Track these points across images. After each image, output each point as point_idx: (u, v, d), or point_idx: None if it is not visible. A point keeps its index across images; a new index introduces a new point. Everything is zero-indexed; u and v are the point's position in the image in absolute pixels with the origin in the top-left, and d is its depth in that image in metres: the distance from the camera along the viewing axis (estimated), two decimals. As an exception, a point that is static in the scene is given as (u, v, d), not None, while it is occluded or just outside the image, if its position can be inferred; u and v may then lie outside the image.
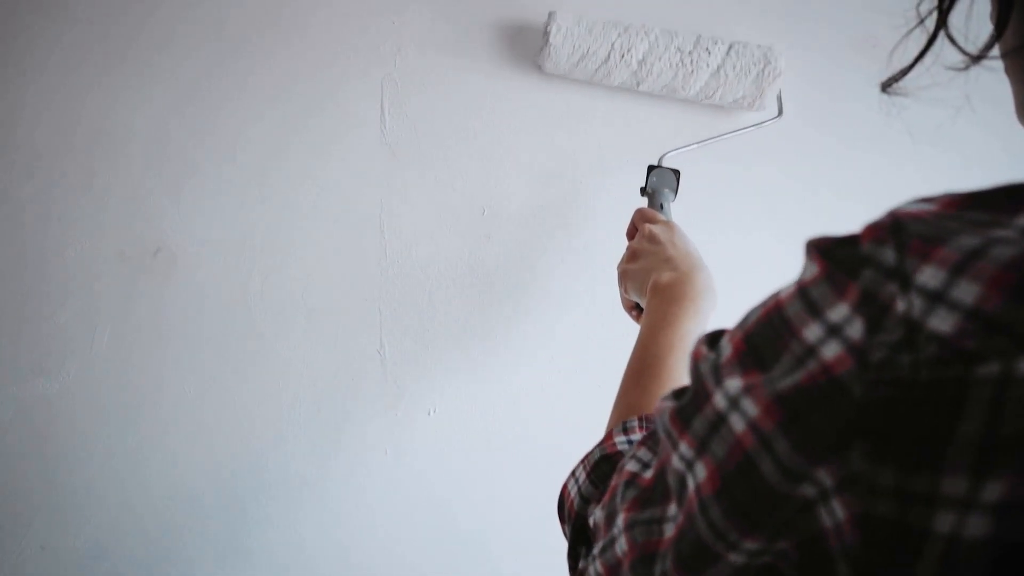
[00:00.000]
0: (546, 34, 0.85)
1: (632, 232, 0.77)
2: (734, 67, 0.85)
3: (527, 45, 0.92)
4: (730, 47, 0.86)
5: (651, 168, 0.83)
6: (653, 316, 0.58)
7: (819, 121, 0.92)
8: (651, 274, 0.63)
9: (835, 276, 0.27)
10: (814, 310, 0.28)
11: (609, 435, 0.48)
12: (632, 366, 0.56)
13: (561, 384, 0.93)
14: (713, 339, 0.35)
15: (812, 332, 0.27)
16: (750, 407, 0.29)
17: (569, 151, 0.93)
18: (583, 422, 0.93)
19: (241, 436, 0.93)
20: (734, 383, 0.30)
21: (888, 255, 0.26)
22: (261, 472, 0.93)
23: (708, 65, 0.85)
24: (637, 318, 0.70)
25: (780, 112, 0.89)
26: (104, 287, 0.92)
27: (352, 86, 0.92)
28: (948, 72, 0.33)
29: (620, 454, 0.45)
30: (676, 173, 0.82)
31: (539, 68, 0.89)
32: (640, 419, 0.49)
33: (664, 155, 0.85)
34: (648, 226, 0.70)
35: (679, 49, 0.85)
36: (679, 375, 0.53)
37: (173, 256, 0.92)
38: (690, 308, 0.57)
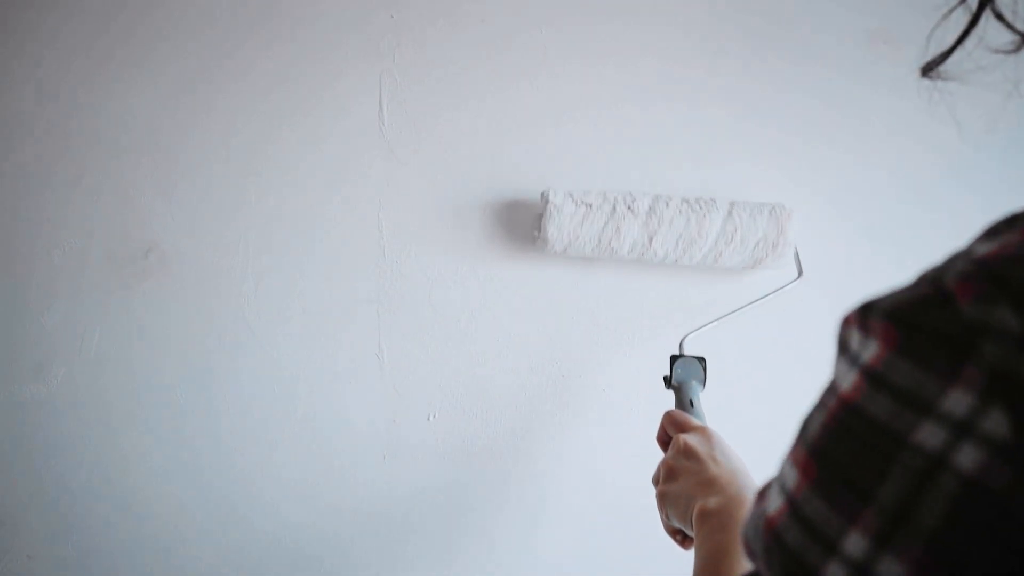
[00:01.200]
0: (540, 221, 0.82)
1: (663, 438, 0.69)
2: (738, 231, 0.80)
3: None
4: (732, 207, 0.80)
5: (674, 358, 0.76)
6: (707, 550, 0.51)
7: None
8: (694, 499, 0.56)
9: (929, 352, 0.22)
10: (916, 403, 0.22)
11: None
12: None
13: (565, 390, 0.90)
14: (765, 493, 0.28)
15: (930, 435, 0.21)
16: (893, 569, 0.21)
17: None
18: (586, 428, 0.90)
19: (234, 443, 0.90)
20: (854, 542, 0.22)
21: (1007, 318, 0.20)
22: (254, 480, 0.90)
23: (717, 230, 0.80)
24: (683, 543, 0.62)
25: (800, 272, 0.81)
26: (93, 289, 0.89)
27: (349, 81, 0.89)
28: (995, 55, 0.31)
29: None
30: (702, 361, 0.75)
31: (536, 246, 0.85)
32: None
33: (684, 338, 0.78)
34: (683, 437, 0.62)
35: (685, 218, 0.80)
36: None
37: (164, 257, 0.89)
38: None
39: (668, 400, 0.76)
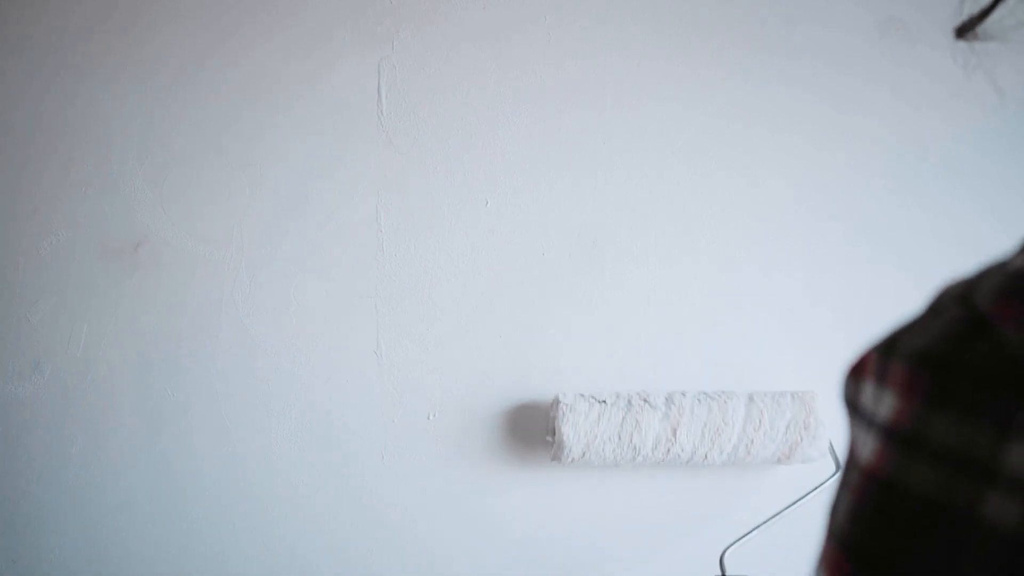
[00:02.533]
0: (555, 432, 0.78)
1: None
2: (776, 429, 0.75)
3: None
4: (751, 395, 0.77)
5: None
6: None
7: None
8: None
9: (971, 398, 0.17)
10: (969, 468, 0.17)
11: None
12: None
13: (568, 388, 0.87)
14: None
15: (1000, 510, 0.16)
16: None
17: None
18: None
19: (228, 443, 0.87)
20: None
21: None
22: (249, 481, 0.87)
23: (745, 433, 0.76)
24: None
25: (838, 465, 0.77)
26: (82, 283, 0.86)
27: (347, 68, 0.87)
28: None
29: None
30: None
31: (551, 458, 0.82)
32: None
33: (724, 553, 0.72)
34: None
35: (707, 423, 0.76)
36: None
37: (155, 250, 0.86)
38: None
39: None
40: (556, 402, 0.78)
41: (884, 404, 0.19)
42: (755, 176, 0.87)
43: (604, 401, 0.77)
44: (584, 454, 0.77)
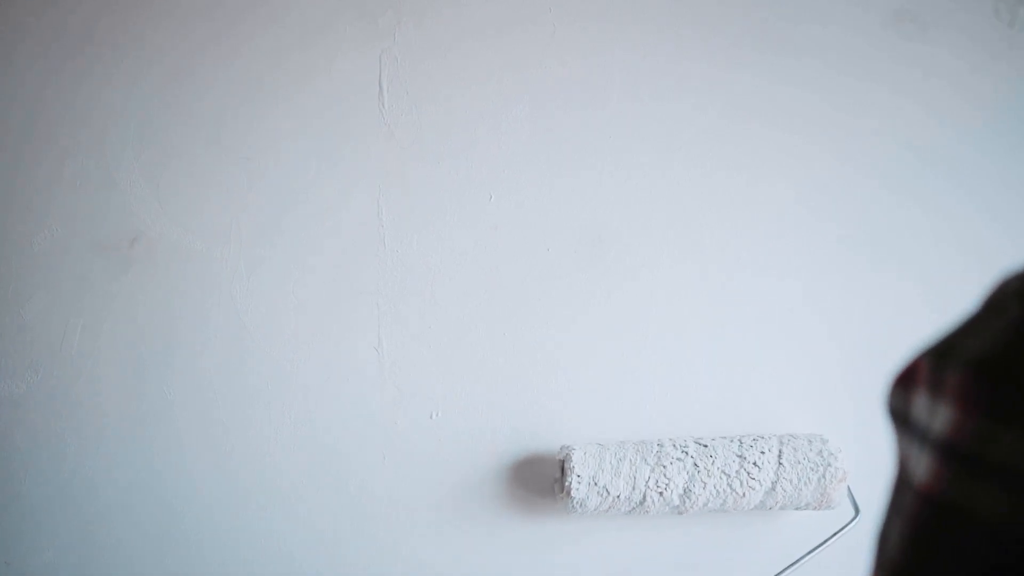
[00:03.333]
0: (564, 485, 0.77)
1: None
2: (790, 480, 0.74)
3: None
4: (780, 454, 0.74)
5: None
6: None
7: None
8: None
9: None
10: None
11: None
12: None
13: (576, 388, 0.86)
14: None
15: None
16: None
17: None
18: (600, 429, 0.86)
19: (225, 442, 0.85)
20: None
21: None
22: (246, 482, 0.85)
23: (761, 483, 0.74)
24: None
25: (857, 511, 0.75)
26: (75, 280, 0.84)
27: (347, 61, 0.85)
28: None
29: None
30: None
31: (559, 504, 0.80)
32: None
33: None
34: None
35: (724, 473, 0.74)
36: None
37: (151, 246, 0.84)
38: None
39: None
40: (567, 471, 0.76)
41: (939, 417, 0.17)
42: (760, 174, 0.85)
43: (617, 496, 0.74)
44: (595, 511, 0.76)
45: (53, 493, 0.85)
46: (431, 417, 0.85)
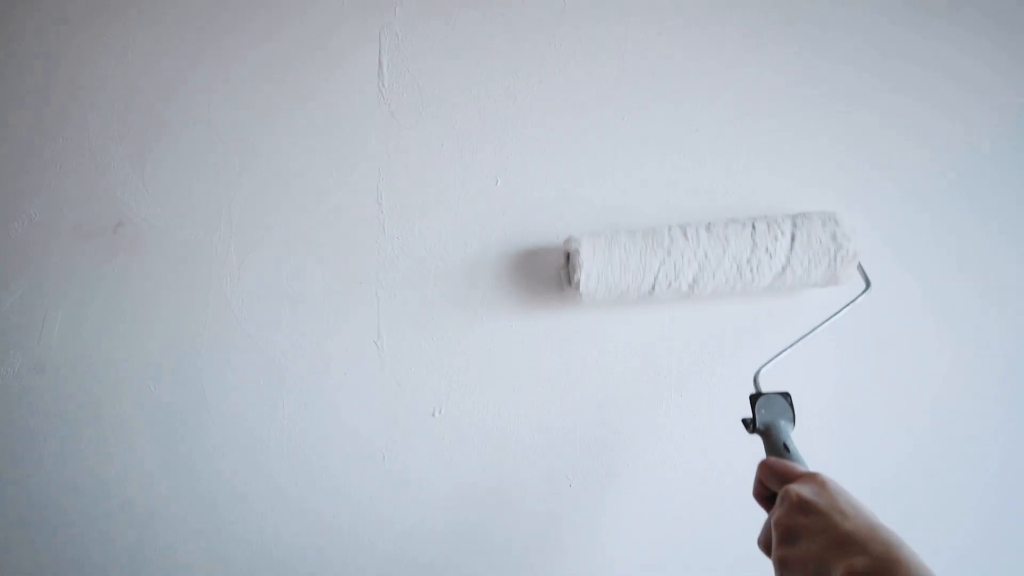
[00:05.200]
0: (571, 275, 0.74)
1: (762, 492, 0.60)
2: (801, 262, 0.72)
3: None
4: (793, 239, 0.73)
5: (755, 398, 0.66)
6: None
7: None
8: (830, 563, 0.48)
9: None
10: None
11: None
12: None
13: (585, 382, 0.81)
14: None
15: None
16: None
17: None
18: (609, 428, 0.81)
19: (215, 442, 0.80)
20: None
21: None
22: (238, 483, 0.80)
23: (772, 268, 0.73)
24: None
25: (868, 284, 0.75)
26: (56, 267, 0.79)
27: (345, 37, 0.80)
28: None
29: None
30: (787, 396, 0.66)
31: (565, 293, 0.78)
32: None
33: (758, 373, 0.69)
34: (794, 490, 0.54)
35: (735, 260, 0.72)
36: None
37: (136, 231, 0.79)
38: None
39: (739, 446, 0.67)
40: (573, 251, 0.73)
41: None
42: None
43: (626, 287, 0.72)
44: (604, 299, 0.74)
45: (32, 495, 0.80)
46: (433, 415, 0.80)
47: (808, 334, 0.71)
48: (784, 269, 0.73)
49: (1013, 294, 0.81)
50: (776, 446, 0.63)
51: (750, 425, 0.66)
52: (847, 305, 0.73)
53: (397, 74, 0.80)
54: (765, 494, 0.59)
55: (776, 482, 0.57)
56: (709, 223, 0.75)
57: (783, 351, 0.71)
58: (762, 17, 0.80)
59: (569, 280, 0.75)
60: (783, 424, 0.64)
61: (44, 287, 0.79)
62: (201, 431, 0.80)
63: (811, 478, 0.54)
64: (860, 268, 0.76)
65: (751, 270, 0.73)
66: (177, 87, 0.79)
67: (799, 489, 0.53)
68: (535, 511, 0.82)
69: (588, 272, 0.72)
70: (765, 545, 0.56)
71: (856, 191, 0.82)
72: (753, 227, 0.74)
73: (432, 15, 0.80)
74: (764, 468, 0.58)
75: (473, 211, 0.80)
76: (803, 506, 0.52)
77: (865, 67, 0.81)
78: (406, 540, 0.81)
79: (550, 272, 0.80)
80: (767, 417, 0.65)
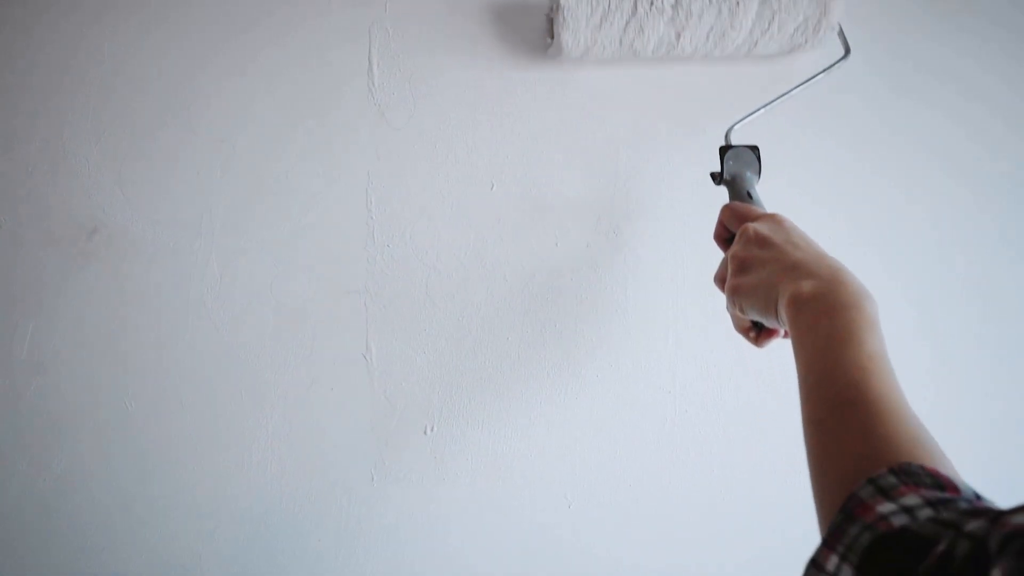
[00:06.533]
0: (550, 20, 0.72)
1: (723, 235, 0.63)
2: (777, 15, 0.71)
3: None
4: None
5: (724, 150, 0.68)
6: (817, 336, 0.45)
7: (891, 55, 0.77)
8: (779, 286, 0.50)
9: None
10: None
11: (866, 505, 0.34)
12: (822, 402, 0.43)
13: (587, 399, 0.77)
14: None
15: None
16: None
17: (598, 129, 0.76)
18: (612, 444, 0.77)
19: (195, 460, 0.76)
20: None
21: None
22: (218, 505, 0.76)
23: (743, 26, 0.71)
24: (756, 340, 0.58)
25: (847, 50, 0.73)
26: (26, 277, 0.75)
27: (333, 32, 0.76)
28: None
29: (909, 533, 0.31)
30: (755, 150, 0.68)
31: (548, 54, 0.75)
32: (895, 473, 0.36)
33: (731, 128, 0.70)
34: (751, 226, 0.56)
35: (711, 29, 0.71)
36: (892, 404, 0.40)
37: (112, 238, 0.75)
38: (860, 320, 0.44)
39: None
40: (556, 5, 0.71)
41: None
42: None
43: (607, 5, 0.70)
44: (583, 56, 0.72)
45: (1, 516, 0.75)
46: (425, 432, 0.76)
47: (783, 96, 0.71)
48: (767, 23, 0.71)
49: (1014, 299, 0.78)
50: (740, 194, 0.65)
51: (717, 177, 0.68)
52: (824, 70, 0.72)
53: (387, 73, 0.76)
54: (725, 236, 0.63)
55: (736, 222, 0.60)
56: None
57: (757, 110, 0.71)
58: None
59: (551, 34, 0.73)
60: (749, 175, 0.67)
61: (13, 297, 0.75)
62: (180, 448, 0.76)
63: (769, 217, 0.57)
64: (841, 33, 0.74)
65: (731, 20, 0.70)
66: (155, 86, 0.75)
67: (756, 225, 0.56)
68: (533, 529, 0.78)
69: (571, 25, 0.69)
70: (720, 280, 0.59)
71: (857, 192, 0.78)
72: None
73: (425, 11, 0.76)
74: (727, 210, 0.62)
75: (467, 217, 0.76)
76: (759, 240, 0.54)
77: (873, 68, 0.77)
78: (397, 565, 0.77)
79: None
80: (734, 168, 0.67)
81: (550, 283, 0.76)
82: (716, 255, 0.65)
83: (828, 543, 0.34)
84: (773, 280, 0.51)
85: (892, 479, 0.35)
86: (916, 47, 0.78)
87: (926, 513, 0.32)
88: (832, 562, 0.33)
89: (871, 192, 0.78)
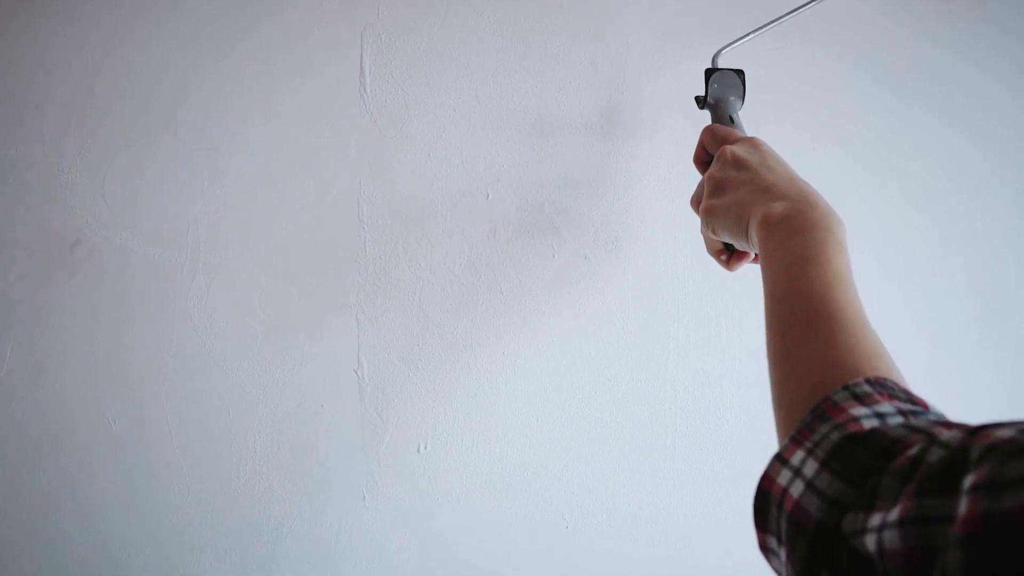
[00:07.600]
0: None
1: (703, 157, 0.63)
2: None
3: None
4: None
5: (709, 72, 0.67)
6: (784, 258, 0.46)
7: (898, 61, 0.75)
8: (751, 208, 0.51)
9: None
10: None
11: (839, 408, 0.35)
12: (788, 315, 0.43)
13: (584, 415, 0.74)
14: None
15: None
16: None
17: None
18: (611, 463, 0.75)
19: (180, 480, 0.73)
20: None
21: None
22: (204, 525, 0.74)
23: None
24: (728, 263, 0.60)
25: None
26: (5, 291, 0.72)
27: (324, 38, 0.74)
28: None
29: (879, 434, 0.32)
30: (740, 74, 0.67)
31: None
32: (871, 383, 0.36)
33: (719, 53, 0.69)
34: (729, 148, 0.56)
35: None
36: (857, 319, 0.42)
37: (95, 251, 0.73)
38: (828, 240, 0.45)
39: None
40: None
41: None
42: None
43: None
44: None
45: (-22, 538, 0.73)
46: (419, 450, 0.74)
47: (775, 22, 0.69)
48: None
49: (1013, 300, 0.76)
50: (722, 118, 0.65)
51: (701, 101, 0.67)
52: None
53: (380, 79, 0.74)
54: (704, 158, 0.63)
55: (716, 145, 0.60)
56: None
57: (747, 34, 0.69)
58: None
59: None
60: (732, 100, 0.66)
61: (-7, 311, 0.72)
62: (164, 468, 0.73)
63: (748, 140, 0.57)
64: None
65: None
66: (140, 92, 0.73)
67: (734, 148, 0.56)
68: (530, 552, 0.75)
69: None
70: (696, 201, 0.59)
71: (858, 193, 0.76)
72: None
73: (418, 16, 0.74)
74: (707, 132, 0.62)
75: (462, 228, 0.74)
76: (735, 162, 0.55)
77: (878, 76, 0.75)
78: (389, 587, 0.75)
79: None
80: (718, 92, 0.66)
81: (547, 296, 0.74)
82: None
83: (796, 439, 0.35)
84: (745, 202, 0.52)
85: (867, 388, 0.36)
86: (925, 55, 0.76)
87: (898, 420, 0.32)
88: (797, 456, 0.34)
89: (874, 198, 0.76)
